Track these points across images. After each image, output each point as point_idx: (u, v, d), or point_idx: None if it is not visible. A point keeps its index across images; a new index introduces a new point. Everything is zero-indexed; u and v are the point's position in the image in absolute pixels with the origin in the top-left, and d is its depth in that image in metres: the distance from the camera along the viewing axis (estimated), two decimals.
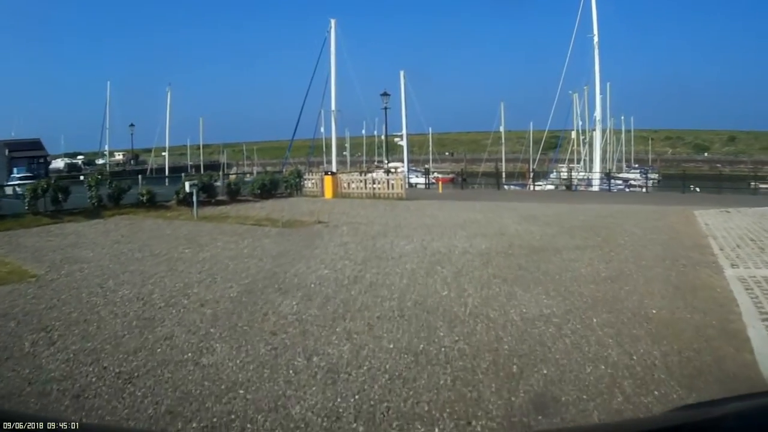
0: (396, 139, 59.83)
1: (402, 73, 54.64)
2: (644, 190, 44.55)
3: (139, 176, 25.61)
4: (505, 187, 41.31)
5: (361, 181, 26.29)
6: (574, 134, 54.37)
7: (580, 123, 53.33)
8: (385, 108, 40.75)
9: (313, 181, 27.43)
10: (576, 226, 13.59)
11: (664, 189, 29.70)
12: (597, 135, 37.66)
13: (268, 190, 24.39)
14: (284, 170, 58.07)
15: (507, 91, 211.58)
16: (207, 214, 17.33)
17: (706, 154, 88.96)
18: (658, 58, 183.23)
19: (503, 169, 59.34)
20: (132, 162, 76.83)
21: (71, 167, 71.24)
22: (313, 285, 7.75)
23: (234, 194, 22.92)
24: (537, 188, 38.52)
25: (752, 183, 55.59)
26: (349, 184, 26.34)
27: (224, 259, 9.89)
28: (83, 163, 77.65)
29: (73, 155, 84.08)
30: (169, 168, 63.40)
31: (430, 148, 79.96)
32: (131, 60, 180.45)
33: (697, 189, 29.33)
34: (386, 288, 7.48)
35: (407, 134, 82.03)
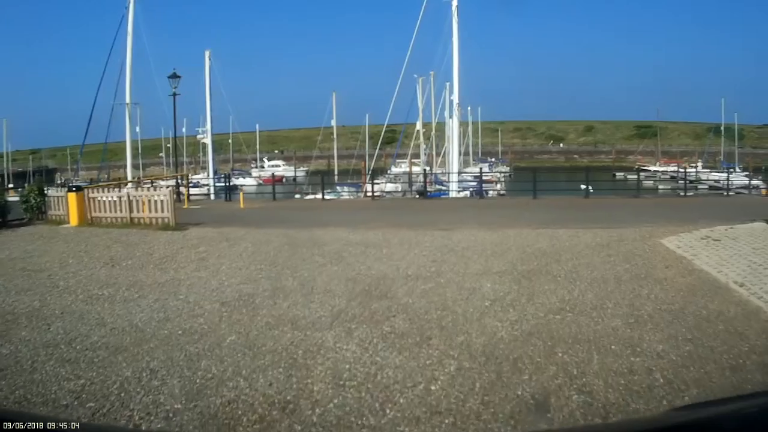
0: (199, 137, 52.55)
1: (207, 54, 44.53)
2: (501, 187, 40.11)
3: None
4: (338, 188, 33.90)
5: (116, 200, 18.04)
6: (418, 125, 48.90)
7: (422, 115, 48.56)
8: (174, 94, 32.78)
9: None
10: (501, 341, 5.49)
11: (546, 191, 23.51)
12: (454, 124, 31.20)
13: None
14: (75, 179, 45.09)
15: (344, 84, 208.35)
16: None
17: (561, 144, 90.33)
18: (505, 48, 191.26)
19: (335, 167, 55.02)
20: None
21: None
22: None
23: None
24: (377, 190, 31.41)
25: (616, 173, 55.52)
26: (101, 203, 18.08)
27: None
28: None
29: None
30: None
31: (257, 147, 76.30)
32: None
33: (591, 188, 23.96)
34: None
35: (231, 132, 76.62)
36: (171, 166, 69.23)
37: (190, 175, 55.82)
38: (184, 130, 69.01)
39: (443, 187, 31.59)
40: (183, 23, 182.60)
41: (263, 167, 70.22)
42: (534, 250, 9.74)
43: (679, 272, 8.25)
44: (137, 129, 52.43)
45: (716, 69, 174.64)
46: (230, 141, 74.48)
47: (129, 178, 40.14)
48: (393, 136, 54.20)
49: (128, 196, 17.62)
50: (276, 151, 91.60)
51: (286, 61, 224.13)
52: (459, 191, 29.57)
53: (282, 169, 67.93)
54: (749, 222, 12.88)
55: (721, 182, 32.56)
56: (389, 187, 35.12)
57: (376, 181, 36.33)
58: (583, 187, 24.98)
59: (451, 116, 32.31)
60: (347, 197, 30.73)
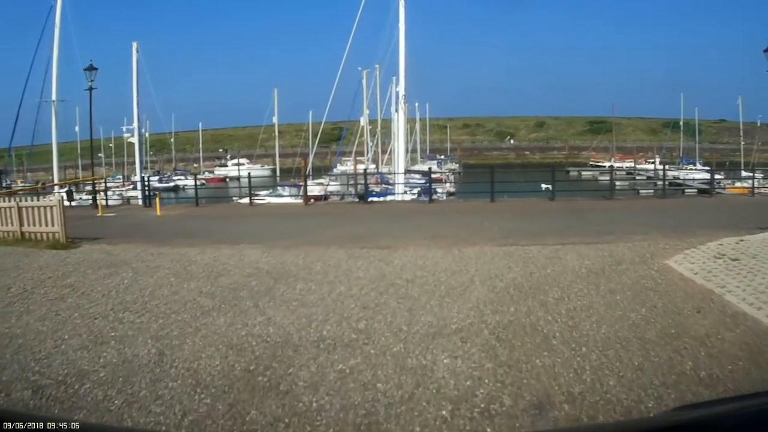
0: (126, 135, 49.78)
1: (135, 46, 40.72)
2: (450, 186, 37.86)
3: None
4: (279, 189, 31.08)
5: (6, 211, 15.40)
6: (362, 120, 46.53)
7: (368, 112, 46.33)
8: (90, 89, 30.15)
9: None
10: None
11: (504, 192, 20.92)
12: (400, 117, 28.46)
13: None
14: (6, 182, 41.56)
15: (290, 80, 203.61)
16: None
17: (511, 141, 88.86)
18: (455, 44, 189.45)
19: (277, 166, 53.51)
20: None
21: None
22: None
23: None
24: (319, 191, 28.68)
25: (569, 170, 54.19)
26: None
27: None
28: None
29: None
30: None
31: (200, 145, 74.27)
32: None
33: (549, 187, 21.69)
34: None
35: (173, 132, 73.77)
36: (113, 166, 65.89)
37: (132, 176, 52.59)
38: (123, 128, 66.93)
39: (389, 186, 29.01)
40: (123, 22, 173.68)
41: (226, 165, 68.40)
42: (506, 284, 7.06)
43: (717, 319, 5.75)
44: (76, 128, 49.17)
45: (671, 64, 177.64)
46: (172, 140, 71.55)
47: (56, 180, 36.82)
48: (340, 133, 52.14)
49: (17, 207, 14.80)
50: (220, 150, 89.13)
51: (231, 59, 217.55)
52: (405, 192, 27.03)
53: (246, 167, 65.93)
54: (757, 231, 10.73)
55: (684, 179, 31.12)
56: (332, 187, 32.40)
57: (318, 180, 33.57)
58: (544, 187, 22.79)
59: (396, 110, 29.59)
60: (289, 200, 27.68)
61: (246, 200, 26.14)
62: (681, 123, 58.78)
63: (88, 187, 37.33)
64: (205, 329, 6.06)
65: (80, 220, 18.22)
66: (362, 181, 23.56)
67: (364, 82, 45.07)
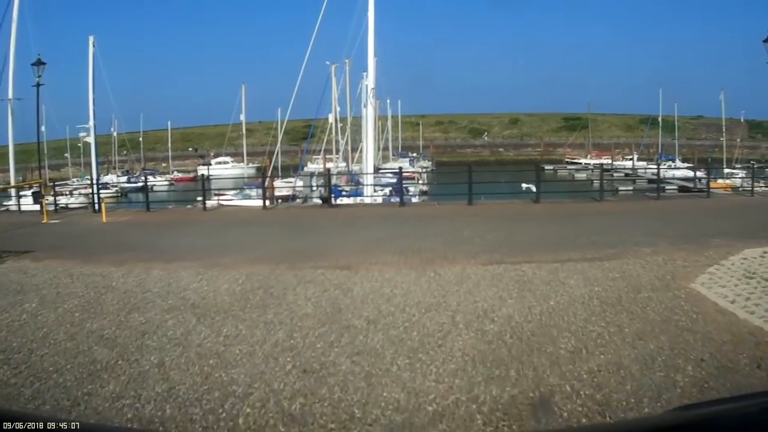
0: (82, 134, 48.36)
1: (91, 40, 38.42)
2: (422, 183, 36.38)
3: None
4: (246, 190, 29.19)
5: None
6: (331, 117, 44.98)
7: (340, 109, 44.85)
8: (38, 84, 28.69)
9: None
10: None
11: (482, 194, 19.06)
12: (369, 112, 26.66)
13: None
14: None
15: (261, 78, 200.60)
16: None
17: (485, 138, 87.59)
18: (426, 44, 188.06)
19: (245, 164, 52.45)
20: None
21: None
22: None
23: None
24: (285, 193, 27.06)
25: (545, 167, 53.02)
26: None
27: None
28: None
29: None
30: None
31: (169, 144, 73.35)
32: None
33: (532, 188, 20.10)
34: None
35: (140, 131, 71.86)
36: (82, 166, 63.60)
37: (101, 176, 50.46)
38: (87, 126, 65.21)
39: (361, 184, 27.30)
40: (90, 21, 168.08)
41: (210, 164, 67.51)
42: (500, 327, 5.34)
43: None
44: (42, 128, 47.99)
45: (646, 61, 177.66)
46: (141, 139, 69.92)
47: (12, 182, 34.82)
48: (307, 131, 50.89)
49: None
50: (189, 149, 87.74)
51: (200, 56, 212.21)
52: (375, 191, 25.35)
53: (230, 166, 64.40)
54: None
55: (663, 177, 29.97)
56: (305, 183, 30.75)
57: (287, 180, 31.87)
58: (525, 186, 21.25)
59: (366, 105, 27.84)
60: (258, 201, 25.71)
61: (213, 202, 24.22)
62: (660, 119, 58.05)
63: (58, 188, 35.19)
64: (83, 404, 4.33)
65: (22, 228, 16.41)
66: (327, 182, 21.62)
67: (332, 77, 43.41)
